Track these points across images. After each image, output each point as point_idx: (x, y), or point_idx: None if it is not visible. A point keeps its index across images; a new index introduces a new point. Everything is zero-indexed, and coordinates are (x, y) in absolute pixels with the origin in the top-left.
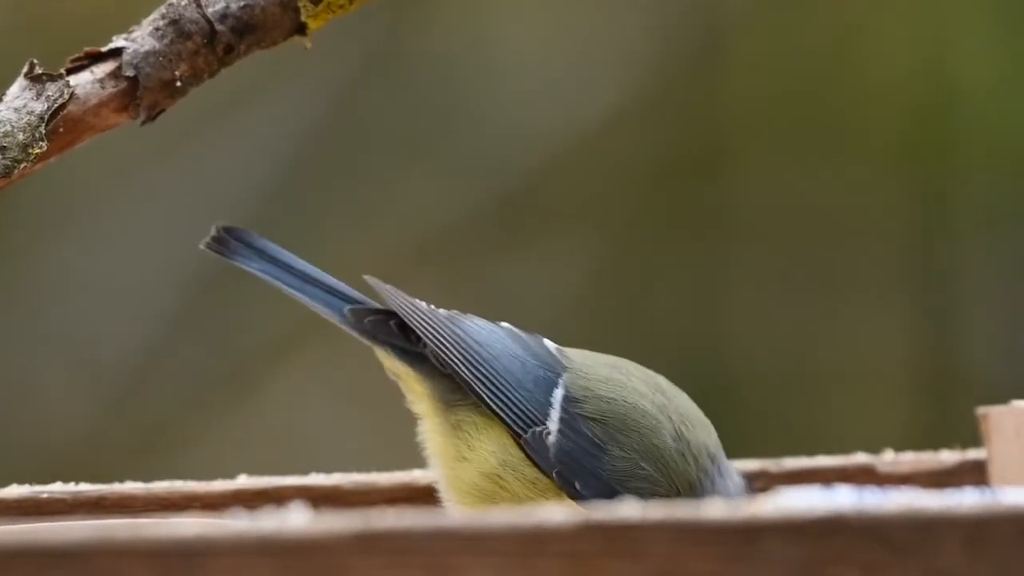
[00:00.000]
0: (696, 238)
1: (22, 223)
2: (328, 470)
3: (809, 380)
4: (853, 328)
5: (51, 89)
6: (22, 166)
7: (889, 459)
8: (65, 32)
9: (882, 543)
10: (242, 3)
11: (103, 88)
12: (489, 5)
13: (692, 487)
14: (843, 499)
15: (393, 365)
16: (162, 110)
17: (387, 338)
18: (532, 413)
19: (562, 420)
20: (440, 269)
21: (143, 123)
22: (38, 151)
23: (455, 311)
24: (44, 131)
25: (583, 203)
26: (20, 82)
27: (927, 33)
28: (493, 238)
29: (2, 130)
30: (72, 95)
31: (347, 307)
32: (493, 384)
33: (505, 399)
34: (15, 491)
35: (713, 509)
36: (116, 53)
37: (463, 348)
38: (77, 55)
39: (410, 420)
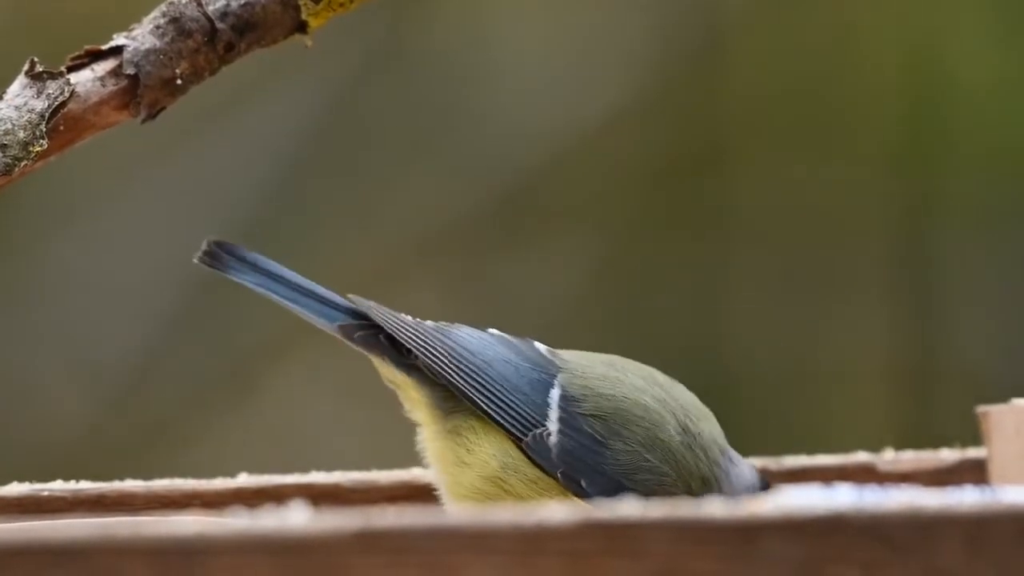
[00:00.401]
0: (696, 238)
1: (22, 222)
2: (328, 468)
3: (809, 379)
4: (852, 327)
5: (52, 87)
6: (23, 164)
7: (889, 458)
8: (66, 30)
9: (882, 542)
10: (243, 1)
11: (104, 86)
12: (489, 4)
13: (706, 482)
14: (843, 498)
15: (390, 373)
16: (163, 108)
17: (382, 343)
18: (531, 415)
19: (561, 420)
20: (440, 268)
21: (143, 121)
22: (39, 149)
23: (442, 322)
24: (45, 129)
25: (583, 202)
26: (21, 80)
27: (923, 34)
28: (493, 237)
29: (3, 128)
30: (73, 93)
31: (338, 322)
32: (489, 391)
33: (502, 405)
34: (16, 489)
35: (713, 508)
36: (117, 51)
37: (455, 358)
38: (78, 53)
39: (410, 419)
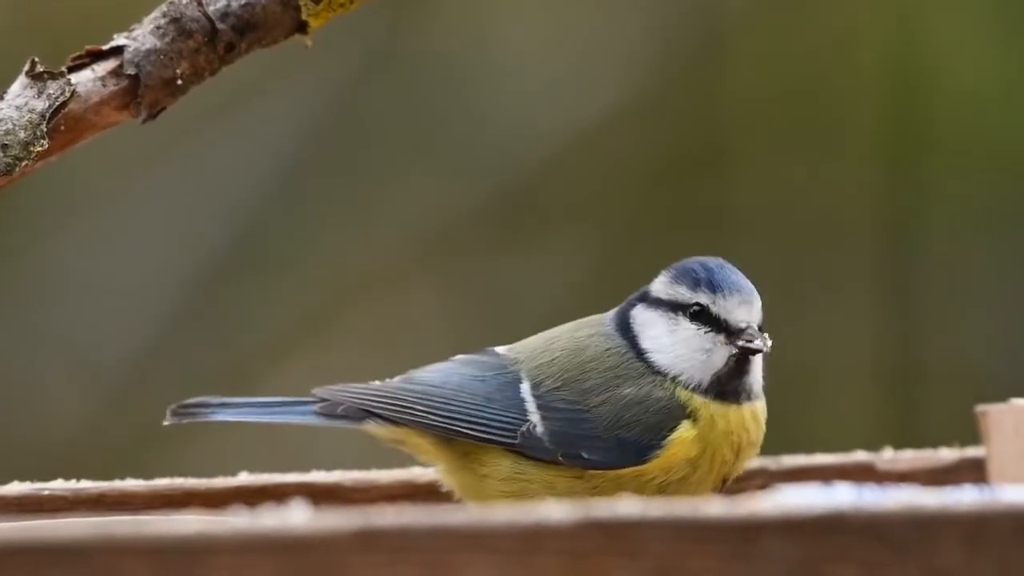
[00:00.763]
0: (694, 237)
1: (23, 222)
2: (328, 467)
3: (808, 378)
4: (850, 326)
5: (52, 87)
6: (23, 164)
7: (888, 457)
8: (66, 30)
9: (881, 541)
10: (243, 1)
11: (104, 86)
12: (489, 5)
13: (663, 387)
14: (842, 497)
15: (387, 432)
16: (163, 108)
17: (366, 412)
18: (512, 417)
19: (539, 407)
20: (440, 268)
21: (144, 121)
22: (39, 149)
23: (409, 371)
24: (45, 129)
25: (583, 202)
26: (21, 80)
27: (918, 37)
28: (493, 237)
29: (4, 128)
30: (73, 93)
31: (315, 413)
32: (465, 416)
33: (483, 422)
34: (16, 488)
35: (712, 507)
36: (117, 51)
37: (424, 401)
38: (78, 53)
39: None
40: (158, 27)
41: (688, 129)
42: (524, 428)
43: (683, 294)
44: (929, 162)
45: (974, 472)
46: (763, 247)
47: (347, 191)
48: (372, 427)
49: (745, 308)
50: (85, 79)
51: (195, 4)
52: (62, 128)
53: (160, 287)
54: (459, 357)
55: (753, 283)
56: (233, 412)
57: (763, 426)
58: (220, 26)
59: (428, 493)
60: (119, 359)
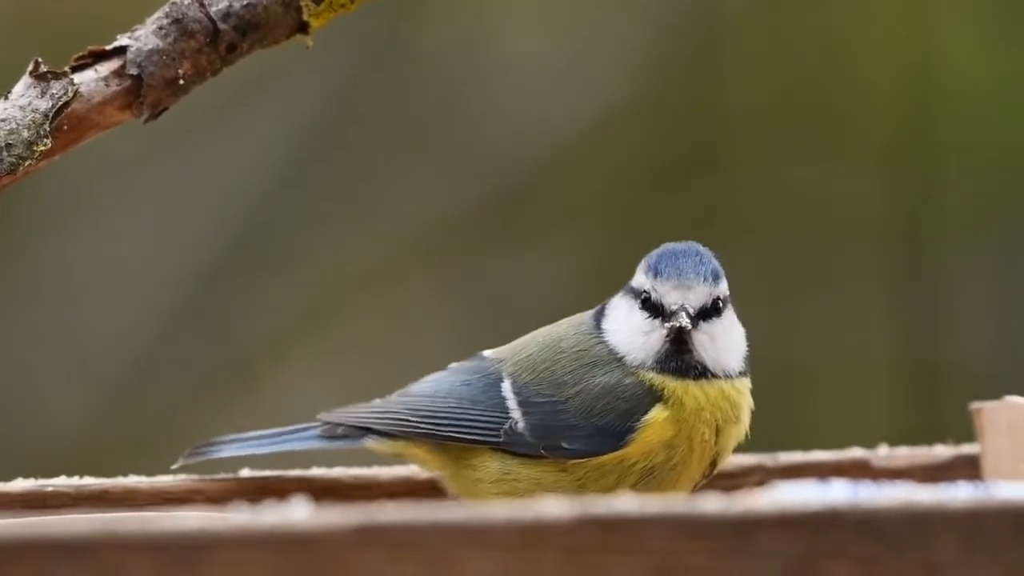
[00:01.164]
0: (693, 235)
1: (26, 220)
2: (329, 464)
3: (805, 376)
4: (847, 325)
5: (55, 87)
6: (27, 163)
7: (884, 454)
8: (69, 31)
9: (877, 537)
10: (245, 2)
11: (107, 86)
12: (487, 5)
13: (624, 366)
14: (838, 493)
15: (387, 447)
16: (165, 108)
17: (366, 431)
18: (495, 417)
19: (519, 404)
20: (440, 266)
21: (146, 121)
22: (43, 148)
23: (410, 384)
24: (49, 128)
25: (581, 201)
26: (25, 80)
27: (919, 35)
28: (492, 235)
29: (7, 128)
30: (76, 93)
31: (317, 436)
32: (452, 421)
33: (468, 425)
34: (20, 485)
35: (710, 504)
36: (120, 51)
37: (417, 412)
38: (81, 54)
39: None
40: (160, 27)
41: (686, 128)
42: (507, 425)
43: (641, 281)
44: (933, 161)
45: (969, 469)
46: (761, 247)
47: (347, 190)
48: (371, 443)
49: (680, 292)
50: (88, 79)
51: (197, 5)
52: (65, 128)
53: (161, 285)
54: (452, 365)
55: (725, 266)
56: (240, 446)
57: (744, 404)
58: (222, 26)
59: (428, 490)
60: (121, 357)
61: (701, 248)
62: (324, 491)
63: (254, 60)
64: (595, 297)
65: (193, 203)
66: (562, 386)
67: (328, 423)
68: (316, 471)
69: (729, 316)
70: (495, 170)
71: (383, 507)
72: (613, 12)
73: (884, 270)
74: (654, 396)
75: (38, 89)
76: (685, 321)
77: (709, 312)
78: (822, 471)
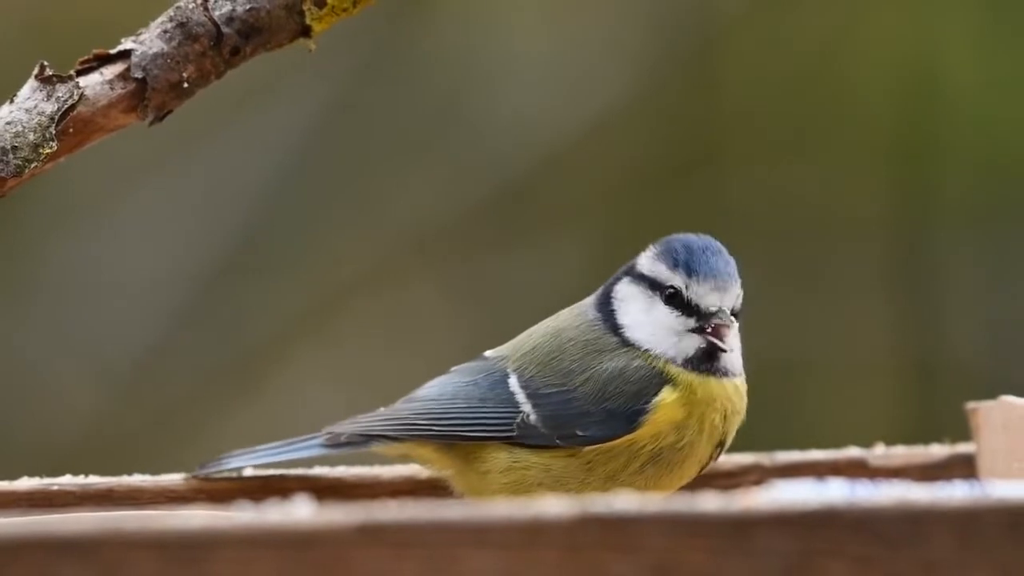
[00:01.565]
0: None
1: (33, 221)
2: (332, 464)
3: (802, 375)
4: (845, 325)
5: (61, 90)
6: (33, 165)
7: (880, 453)
8: (75, 35)
9: (874, 535)
10: (248, 6)
11: (112, 89)
12: (487, 7)
13: (629, 351)
14: (835, 492)
15: (393, 449)
16: (170, 111)
17: (369, 441)
18: (505, 412)
19: (528, 397)
20: (441, 266)
21: (151, 124)
22: (48, 151)
23: (411, 389)
24: (54, 131)
25: (582, 201)
26: (31, 83)
27: (913, 35)
28: (493, 236)
29: (14, 130)
30: (82, 96)
31: (321, 444)
32: (462, 420)
33: (480, 423)
34: (26, 483)
35: (708, 502)
36: (125, 55)
37: (425, 415)
38: (86, 57)
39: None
40: (165, 31)
41: (685, 129)
42: (519, 419)
43: (662, 273)
44: (930, 162)
45: (965, 468)
46: (760, 247)
47: (349, 191)
48: (377, 448)
49: (717, 294)
50: (93, 82)
51: (201, 9)
52: (71, 130)
53: (166, 286)
54: (453, 368)
55: (737, 263)
56: (248, 458)
57: (745, 398)
58: (225, 30)
59: (430, 488)
60: (126, 357)
61: (718, 242)
62: (327, 490)
63: (257, 64)
64: None
65: (197, 204)
66: (570, 375)
67: (331, 433)
68: (319, 470)
69: None
70: (496, 171)
71: (385, 506)
72: (612, 14)
73: (881, 270)
74: (663, 378)
75: (44, 92)
76: (729, 321)
77: (737, 313)
78: (819, 470)
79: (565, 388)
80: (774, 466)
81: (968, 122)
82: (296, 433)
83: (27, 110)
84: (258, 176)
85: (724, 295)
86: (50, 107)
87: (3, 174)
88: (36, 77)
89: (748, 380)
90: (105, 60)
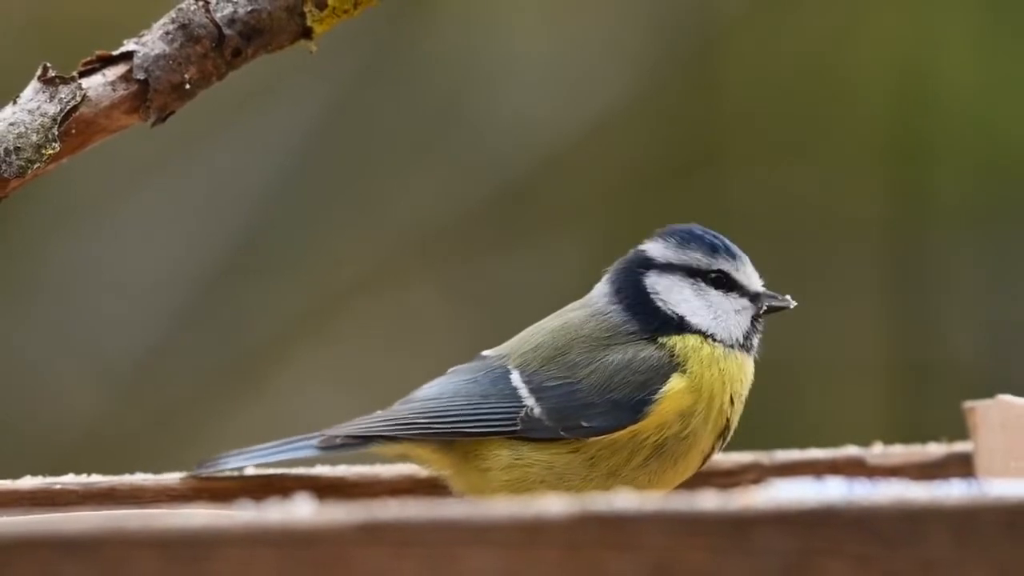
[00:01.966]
0: None
1: (35, 221)
2: (333, 463)
3: (801, 375)
4: (843, 325)
5: (64, 92)
6: (36, 166)
7: (878, 452)
8: (77, 36)
9: (872, 534)
10: (249, 8)
11: (114, 90)
12: (488, 9)
13: (635, 340)
14: (834, 491)
15: (392, 450)
16: (171, 112)
17: (365, 442)
18: (508, 407)
19: (531, 391)
20: (441, 267)
21: (153, 125)
22: (51, 152)
23: (409, 391)
24: (57, 132)
25: (582, 201)
26: (34, 85)
27: (913, 37)
28: (493, 237)
29: (16, 131)
30: (84, 97)
31: (317, 444)
32: (464, 417)
33: (482, 418)
34: (29, 482)
35: (707, 501)
36: (127, 57)
37: (425, 413)
38: (89, 59)
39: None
40: (167, 33)
41: (685, 130)
42: (522, 413)
43: (701, 260)
44: (926, 162)
45: (962, 466)
46: (759, 247)
47: (350, 192)
48: (376, 448)
49: (755, 272)
50: (96, 84)
51: (203, 11)
52: (73, 131)
53: (167, 286)
54: (451, 369)
55: None
56: (245, 458)
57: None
58: (227, 32)
59: (430, 487)
60: (128, 357)
61: None
62: (327, 489)
63: (259, 65)
64: None
65: (199, 205)
66: (575, 367)
67: (327, 435)
68: (320, 469)
69: None
70: (496, 172)
71: (385, 505)
72: (612, 15)
73: (880, 270)
74: (671, 367)
75: (47, 94)
76: (788, 301)
77: None
78: (818, 469)
79: (570, 380)
80: (773, 465)
81: (966, 123)
82: (296, 433)
83: (30, 111)
84: (259, 177)
85: (755, 273)
86: (53, 108)
87: (6, 175)
88: (39, 78)
89: None
90: (107, 61)
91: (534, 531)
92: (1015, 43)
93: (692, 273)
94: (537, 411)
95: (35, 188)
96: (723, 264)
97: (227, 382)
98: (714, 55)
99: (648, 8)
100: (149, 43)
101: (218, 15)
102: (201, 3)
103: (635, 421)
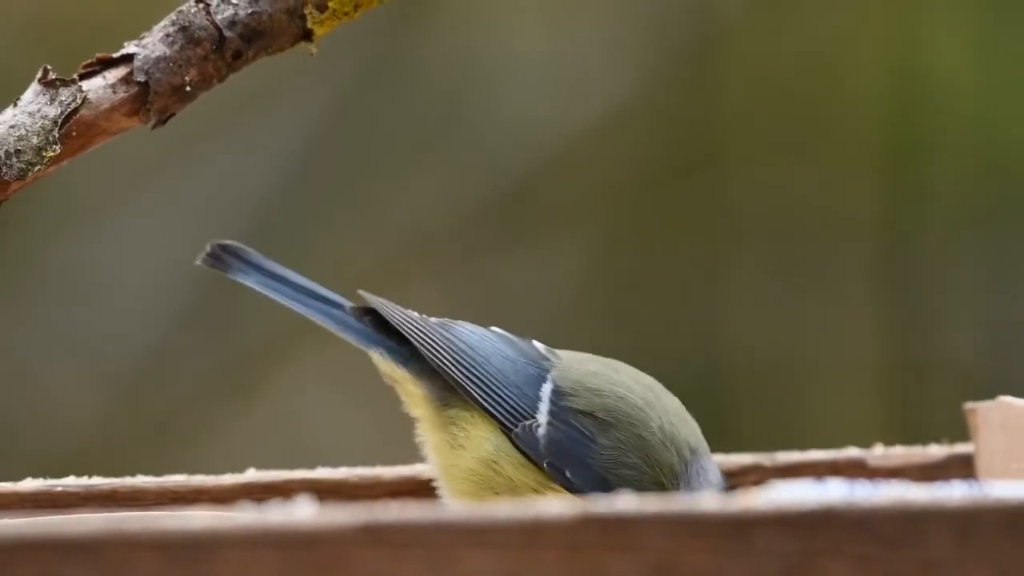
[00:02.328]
0: (691, 238)
1: (34, 224)
2: (334, 464)
3: (801, 376)
4: (843, 325)
5: (64, 94)
6: (36, 169)
7: (879, 453)
8: (78, 38)
9: (873, 535)
10: (250, 10)
11: (115, 93)
12: (489, 10)
13: (675, 474)
14: (834, 492)
15: (389, 369)
16: (172, 114)
17: (383, 339)
18: (522, 408)
19: (551, 413)
20: (442, 268)
21: (154, 127)
22: (52, 154)
23: (446, 319)
24: (57, 135)
25: (581, 203)
26: (34, 87)
27: (911, 38)
28: (492, 238)
29: (17, 134)
30: (85, 100)
31: (339, 319)
32: (483, 383)
33: (495, 397)
34: (30, 485)
35: (708, 502)
36: (127, 59)
37: (454, 352)
38: (89, 61)
39: (411, 415)
40: (167, 35)
41: (684, 131)
42: (528, 423)
43: None
44: (924, 163)
45: (963, 468)
46: (760, 249)
47: (350, 193)
48: (377, 357)
49: None
50: (96, 86)
51: (203, 13)
52: (74, 134)
53: (167, 288)
54: (496, 330)
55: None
56: (256, 280)
57: None
58: (228, 34)
59: (432, 489)
60: (128, 359)
61: None
62: (329, 491)
63: (259, 67)
64: (596, 299)
65: (199, 208)
66: (604, 433)
67: (360, 307)
68: (321, 472)
69: None
70: (496, 173)
71: (386, 507)
72: (612, 17)
73: (880, 271)
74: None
75: (47, 96)
76: None
77: None
78: (819, 470)
79: (588, 434)
80: (774, 466)
81: (966, 123)
82: (295, 437)
83: (30, 113)
84: (259, 179)
85: None
86: (53, 111)
87: (7, 177)
88: (39, 81)
89: (749, 379)
90: (108, 64)
91: (535, 532)
92: (1015, 43)
93: None
94: (541, 432)
95: (35, 191)
96: None
97: (228, 384)
98: (714, 56)
99: (648, 9)
100: (149, 45)
101: (219, 17)
102: (202, 5)
103: None
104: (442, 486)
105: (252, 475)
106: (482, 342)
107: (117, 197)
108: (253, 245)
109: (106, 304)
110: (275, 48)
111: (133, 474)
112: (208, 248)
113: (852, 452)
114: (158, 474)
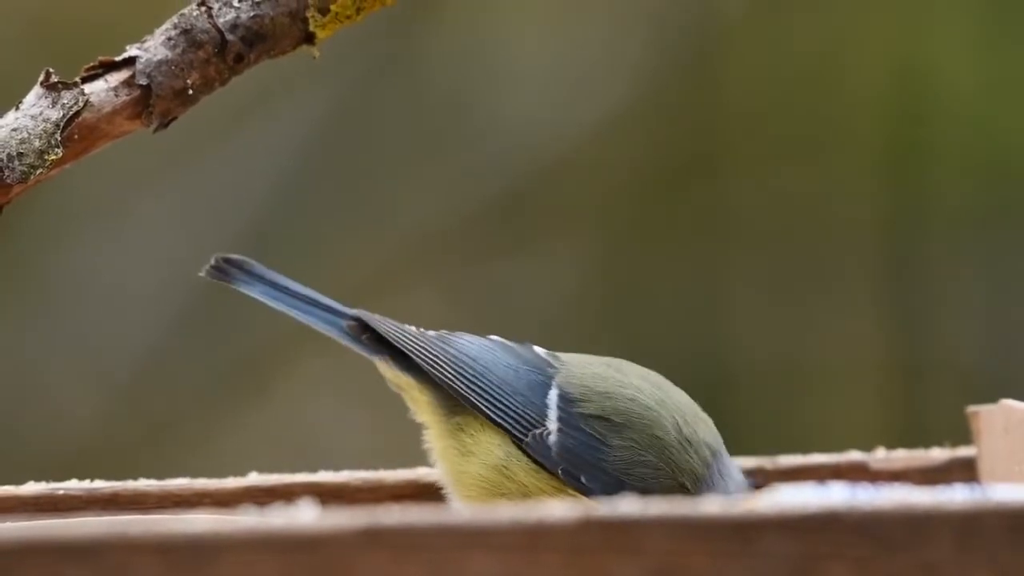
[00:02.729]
0: (692, 241)
1: (36, 228)
2: (336, 468)
3: (803, 379)
4: (845, 328)
5: (66, 97)
6: (38, 172)
7: (881, 456)
8: (80, 42)
9: (875, 538)
10: (252, 13)
11: (117, 96)
12: (491, 13)
13: (696, 477)
14: (837, 495)
15: (395, 376)
16: (174, 118)
17: (385, 349)
18: (530, 416)
19: (560, 419)
20: (444, 271)
21: (155, 130)
22: (54, 157)
23: (443, 331)
24: (59, 138)
25: (582, 206)
26: (36, 90)
27: (912, 39)
28: (493, 241)
29: (19, 137)
30: (87, 103)
31: (345, 323)
32: (489, 395)
33: (503, 407)
34: (32, 488)
35: (710, 505)
36: (129, 62)
37: (456, 365)
38: (92, 64)
39: (415, 420)
40: (169, 38)
41: (685, 135)
42: (538, 431)
43: None
44: (925, 164)
45: (965, 471)
46: (760, 252)
47: (352, 197)
48: (382, 366)
49: None
50: (98, 89)
51: (205, 16)
52: (76, 137)
53: (170, 291)
54: (495, 338)
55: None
56: (260, 290)
57: None
58: (230, 37)
59: (433, 493)
60: (131, 362)
61: None
62: (331, 494)
63: (261, 70)
64: (597, 301)
65: (201, 210)
66: (616, 435)
67: (359, 322)
68: (323, 475)
69: None
70: (498, 176)
71: (388, 510)
72: (613, 20)
73: (881, 273)
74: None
75: (49, 99)
76: None
77: None
78: (821, 473)
79: (600, 437)
80: (776, 469)
81: (966, 125)
82: (297, 441)
83: (32, 117)
84: (261, 183)
85: None
86: (55, 114)
87: (9, 180)
88: (41, 84)
89: (751, 383)
90: (110, 67)
91: (537, 535)
92: (1016, 44)
93: None
94: (552, 439)
95: (36, 194)
96: None
97: (230, 388)
98: (714, 59)
99: (648, 12)
100: (151, 48)
101: (220, 20)
102: (204, 8)
103: None
104: (451, 492)
105: (254, 478)
106: (483, 352)
107: (120, 201)
108: (255, 248)
109: (109, 308)
110: (277, 51)
111: (135, 477)
112: (212, 261)
113: (854, 455)
114: (160, 477)
